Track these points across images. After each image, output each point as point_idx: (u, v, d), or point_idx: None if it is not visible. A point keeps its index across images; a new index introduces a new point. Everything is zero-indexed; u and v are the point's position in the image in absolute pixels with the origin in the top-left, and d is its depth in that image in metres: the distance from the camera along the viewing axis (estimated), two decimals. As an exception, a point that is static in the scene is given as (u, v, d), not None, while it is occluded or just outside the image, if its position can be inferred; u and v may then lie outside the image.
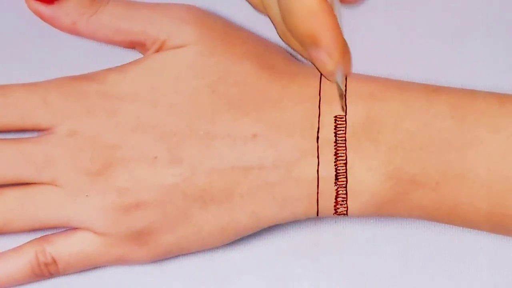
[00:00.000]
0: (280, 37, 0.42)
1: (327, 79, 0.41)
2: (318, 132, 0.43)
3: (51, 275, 0.45)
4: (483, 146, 0.42)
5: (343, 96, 0.42)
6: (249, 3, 0.43)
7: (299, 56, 0.47)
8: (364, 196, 0.43)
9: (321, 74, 0.44)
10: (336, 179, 0.43)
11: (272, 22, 0.42)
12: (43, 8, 0.45)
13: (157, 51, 0.45)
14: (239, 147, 0.43)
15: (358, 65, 0.46)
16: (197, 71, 0.44)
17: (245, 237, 0.45)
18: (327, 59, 0.40)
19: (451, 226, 0.45)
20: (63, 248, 0.44)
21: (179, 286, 0.46)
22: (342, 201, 0.43)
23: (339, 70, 0.40)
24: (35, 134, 0.45)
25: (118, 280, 0.46)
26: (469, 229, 0.45)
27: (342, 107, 0.42)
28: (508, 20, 0.47)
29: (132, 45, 0.45)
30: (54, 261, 0.44)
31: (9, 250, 0.45)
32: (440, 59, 0.47)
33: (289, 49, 0.47)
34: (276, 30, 0.42)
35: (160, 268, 0.46)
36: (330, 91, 0.44)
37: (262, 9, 0.43)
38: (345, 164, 0.43)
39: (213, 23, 0.45)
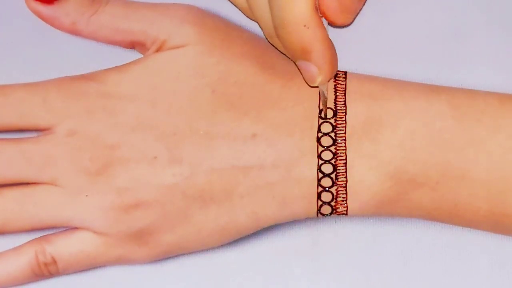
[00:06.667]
0: (267, 39, 0.42)
1: (309, 86, 0.41)
2: (318, 132, 0.43)
3: (51, 275, 0.45)
4: (483, 146, 0.42)
5: (326, 103, 0.42)
6: (234, 4, 0.43)
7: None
8: (364, 196, 0.43)
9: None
10: (336, 179, 0.43)
11: (259, 25, 0.42)
12: (43, 8, 0.45)
13: (157, 51, 0.45)
14: (239, 147, 0.43)
15: (358, 65, 0.46)
16: (197, 71, 0.44)
17: (245, 237, 0.45)
18: (316, 72, 0.41)
19: (451, 226, 0.45)
20: (63, 248, 0.44)
21: (179, 286, 0.46)
22: (342, 201, 0.43)
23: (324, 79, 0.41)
24: (35, 134, 0.45)
25: (118, 280, 0.46)
26: (469, 228, 0.45)
27: (325, 114, 0.42)
28: (508, 20, 0.47)
29: (132, 45, 0.46)
30: (54, 261, 0.44)
31: (9, 250, 0.45)
32: (440, 59, 0.47)
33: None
34: (263, 33, 0.42)
35: (160, 268, 0.46)
36: (329, 91, 0.44)
37: (249, 13, 0.43)
38: (345, 164, 0.43)
39: (213, 23, 0.45)
